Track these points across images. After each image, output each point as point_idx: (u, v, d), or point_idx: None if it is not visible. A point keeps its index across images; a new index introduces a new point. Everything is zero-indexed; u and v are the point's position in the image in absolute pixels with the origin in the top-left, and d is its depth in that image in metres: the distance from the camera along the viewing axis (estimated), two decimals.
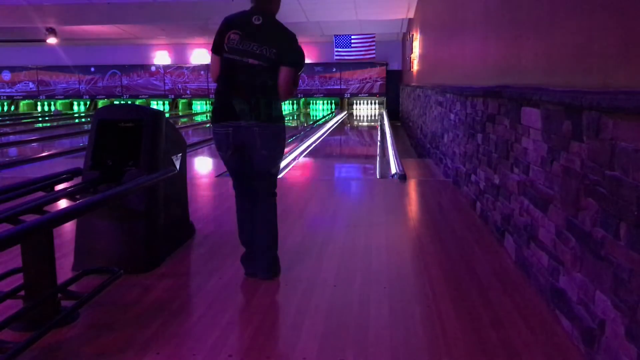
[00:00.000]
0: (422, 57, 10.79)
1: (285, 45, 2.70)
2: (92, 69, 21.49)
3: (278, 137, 2.77)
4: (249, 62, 2.65)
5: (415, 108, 11.33)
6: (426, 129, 8.75)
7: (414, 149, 10.78)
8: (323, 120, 16.52)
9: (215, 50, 2.77)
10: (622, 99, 1.73)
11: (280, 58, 2.67)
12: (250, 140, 2.71)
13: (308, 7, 12.53)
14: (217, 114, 2.76)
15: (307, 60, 20.59)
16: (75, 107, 22.06)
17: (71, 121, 16.97)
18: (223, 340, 2.22)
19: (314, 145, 10.42)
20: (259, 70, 2.66)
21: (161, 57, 21.07)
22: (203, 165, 8.42)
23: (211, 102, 21.15)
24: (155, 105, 20.93)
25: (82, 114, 20.10)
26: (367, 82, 20.03)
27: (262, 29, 2.68)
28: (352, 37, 17.44)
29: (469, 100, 4.67)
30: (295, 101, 20.64)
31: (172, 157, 3.31)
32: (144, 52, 20.91)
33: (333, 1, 12.15)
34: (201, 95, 21.23)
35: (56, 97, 21.87)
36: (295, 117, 18.99)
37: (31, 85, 21.89)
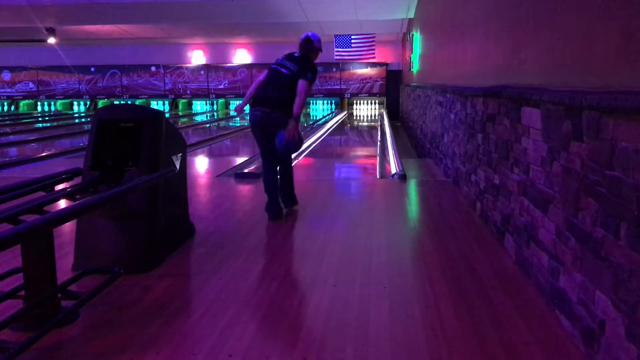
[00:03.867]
0: (422, 57, 10.79)
1: (304, 65, 4.06)
2: (92, 69, 21.49)
3: (284, 120, 3.94)
4: (281, 71, 4.07)
5: (415, 108, 11.33)
6: (426, 129, 8.75)
7: (414, 149, 10.77)
8: (323, 120, 16.52)
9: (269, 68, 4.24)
10: (622, 99, 1.73)
11: (299, 72, 4.00)
12: (271, 122, 3.98)
13: (308, 7, 12.53)
14: (255, 102, 4.08)
15: None
16: (75, 107, 22.05)
17: (71, 121, 16.96)
18: (223, 340, 2.22)
19: (314, 145, 10.42)
20: (285, 76, 4.03)
21: (161, 57, 21.07)
22: (203, 165, 8.42)
23: (211, 103, 21.22)
24: (155, 105, 20.92)
25: (82, 114, 20.09)
26: (367, 82, 20.03)
27: (296, 58, 4.16)
28: (352, 37, 17.43)
29: (469, 100, 4.67)
30: None
31: (172, 157, 3.31)
32: (144, 52, 20.92)
33: (333, 1, 12.14)
34: (201, 95, 21.23)
35: (56, 97, 21.88)
36: None
37: (31, 85, 21.89)
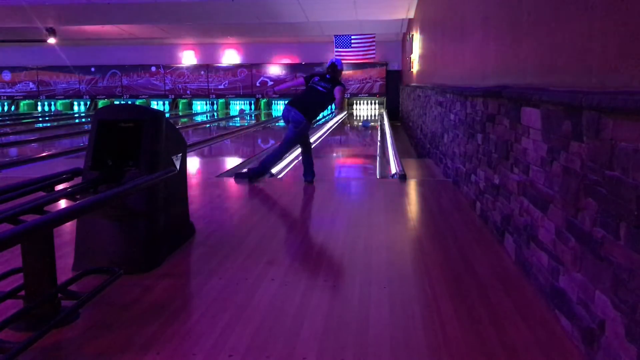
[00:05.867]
0: (422, 57, 10.79)
1: (335, 83, 5.68)
2: (92, 69, 21.49)
3: (302, 121, 5.54)
4: (319, 89, 5.65)
5: (415, 108, 11.33)
6: (426, 129, 8.75)
7: (414, 149, 10.78)
8: (323, 120, 16.51)
9: (306, 80, 5.84)
10: (622, 99, 1.73)
11: (332, 88, 5.62)
12: (293, 118, 5.56)
13: (308, 7, 12.53)
14: (292, 102, 5.62)
15: (307, 61, 20.66)
16: (76, 107, 22.05)
17: (71, 121, 16.95)
18: (223, 340, 2.22)
19: (314, 145, 10.41)
20: (322, 93, 5.64)
21: (161, 57, 21.07)
22: (203, 165, 8.42)
23: (211, 103, 21.22)
24: (155, 105, 20.91)
25: (82, 114, 20.09)
26: (367, 82, 20.03)
27: (329, 80, 5.70)
28: (352, 37, 17.42)
29: (468, 100, 4.67)
30: None
31: (172, 157, 3.31)
32: (144, 52, 20.92)
33: (333, 1, 12.14)
34: (201, 95, 21.22)
35: (56, 97, 21.88)
36: None
37: (31, 85, 21.90)
